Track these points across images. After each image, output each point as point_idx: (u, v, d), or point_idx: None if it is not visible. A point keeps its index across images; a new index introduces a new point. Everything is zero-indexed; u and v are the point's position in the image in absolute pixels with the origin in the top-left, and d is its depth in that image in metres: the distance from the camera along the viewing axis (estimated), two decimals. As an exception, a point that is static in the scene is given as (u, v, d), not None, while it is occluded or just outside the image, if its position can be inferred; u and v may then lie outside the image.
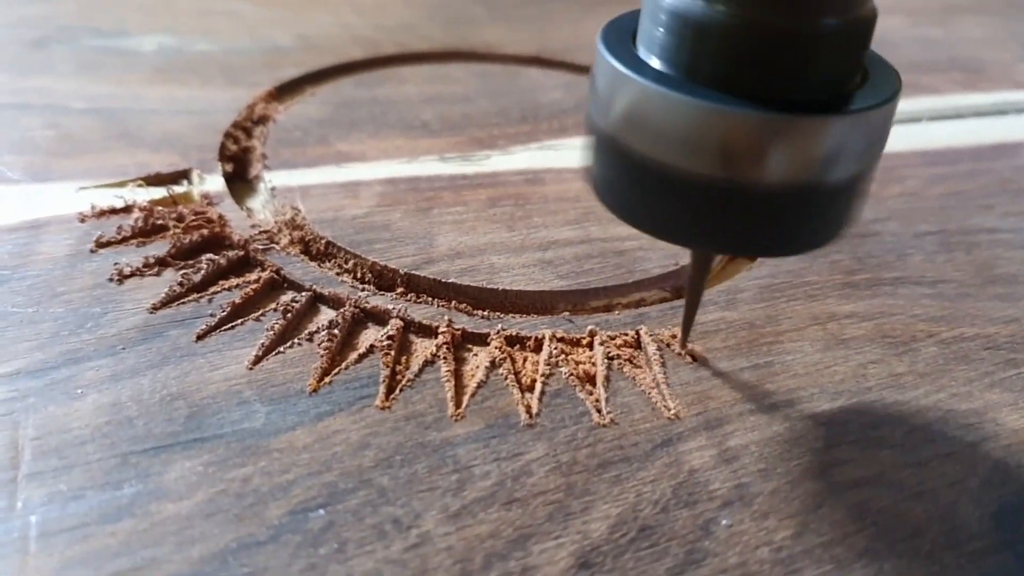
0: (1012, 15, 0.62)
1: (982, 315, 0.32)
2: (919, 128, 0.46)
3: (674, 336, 0.30)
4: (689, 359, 0.29)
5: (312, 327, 0.29)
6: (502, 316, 0.30)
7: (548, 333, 0.29)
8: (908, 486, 0.25)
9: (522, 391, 0.27)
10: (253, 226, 0.33)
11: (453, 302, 0.31)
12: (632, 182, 0.23)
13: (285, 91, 0.44)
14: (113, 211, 0.33)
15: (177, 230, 0.32)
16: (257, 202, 0.36)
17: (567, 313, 0.31)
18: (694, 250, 0.26)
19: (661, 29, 0.21)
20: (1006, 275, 0.35)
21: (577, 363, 0.29)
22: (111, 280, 0.30)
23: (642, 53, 0.22)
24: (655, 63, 0.22)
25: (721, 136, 0.20)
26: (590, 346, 0.29)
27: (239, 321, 0.29)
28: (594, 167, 0.24)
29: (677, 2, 0.21)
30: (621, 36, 0.23)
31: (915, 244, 0.36)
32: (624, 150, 0.22)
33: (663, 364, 0.29)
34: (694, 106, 0.20)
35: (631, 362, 0.29)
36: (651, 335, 0.30)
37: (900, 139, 0.43)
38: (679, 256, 0.34)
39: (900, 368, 0.29)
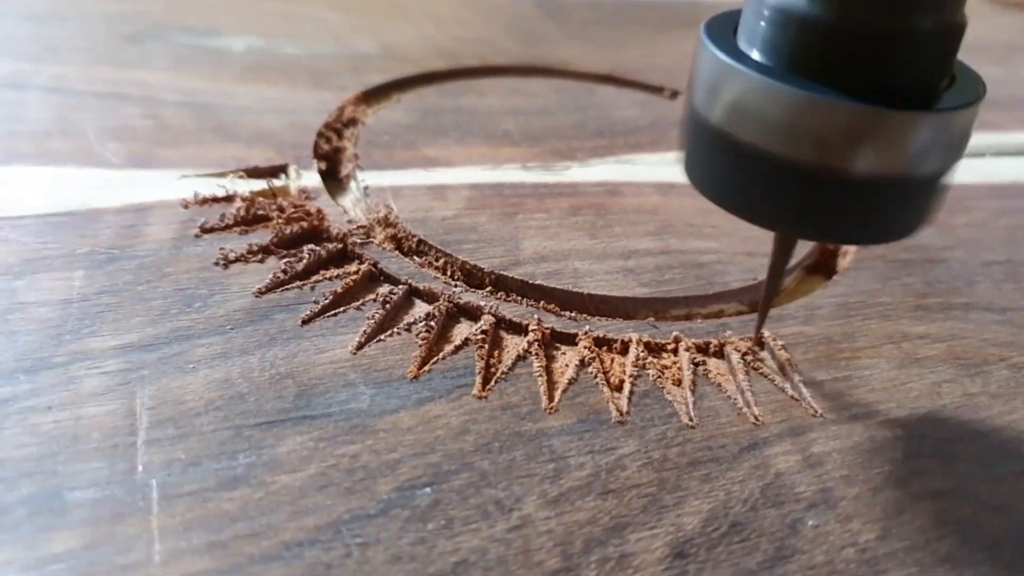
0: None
1: (1053, 343, 0.33)
2: (984, 162, 0.47)
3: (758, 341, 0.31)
4: (764, 357, 0.30)
5: (409, 319, 0.30)
6: (588, 318, 0.32)
7: (634, 336, 0.31)
8: (985, 499, 0.26)
9: (611, 390, 0.28)
10: (349, 221, 0.35)
11: (541, 302, 0.32)
12: (726, 165, 0.24)
13: (372, 96, 0.45)
14: (215, 199, 0.35)
15: (279, 220, 0.34)
16: (349, 200, 0.37)
17: (652, 319, 0.32)
18: (780, 233, 0.27)
19: (763, 23, 0.23)
20: (1074, 307, 0.35)
21: (663, 367, 0.30)
22: (217, 264, 0.32)
23: (743, 46, 0.24)
24: (756, 55, 0.23)
25: (818, 125, 0.22)
26: (675, 351, 0.30)
27: (341, 309, 0.30)
28: (688, 150, 0.25)
29: None
30: (723, 30, 0.24)
31: (983, 272, 0.37)
32: (721, 135, 0.23)
33: (747, 373, 0.30)
34: (793, 95, 0.22)
35: (716, 369, 0.30)
36: (733, 345, 0.31)
37: (966, 172, 0.44)
38: (757, 272, 0.35)
39: (973, 388, 0.30)
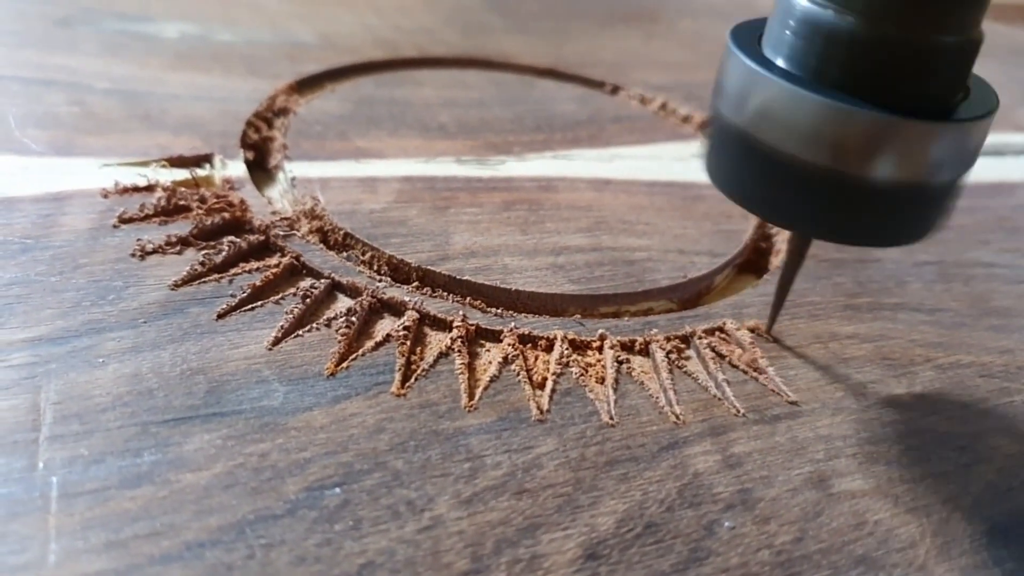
0: (1014, 62, 0.63)
1: (977, 344, 0.33)
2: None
3: (753, 328, 0.32)
4: (690, 355, 0.30)
5: (330, 314, 0.30)
6: (515, 315, 0.31)
7: (560, 334, 0.30)
8: (904, 501, 0.26)
9: (533, 388, 0.28)
10: (273, 213, 0.34)
11: (467, 298, 0.31)
12: (749, 167, 0.25)
13: (306, 85, 0.45)
14: (136, 189, 0.34)
15: (200, 211, 0.33)
16: (276, 191, 0.37)
17: (578, 316, 0.32)
18: (797, 233, 0.28)
19: (789, 33, 0.24)
20: (1001, 308, 0.36)
21: (588, 365, 0.29)
22: (133, 255, 0.31)
23: (768, 53, 0.25)
24: (781, 63, 0.24)
25: (839, 132, 0.23)
26: (600, 349, 0.30)
27: (259, 303, 0.29)
28: (713, 155, 0.26)
29: (808, 10, 0.23)
30: (749, 38, 0.25)
31: (914, 273, 0.37)
32: (747, 140, 0.25)
33: (671, 371, 0.29)
34: (817, 103, 0.23)
35: (640, 368, 0.30)
36: (659, 343, 0.30)
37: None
38: (687, 269, 0.34)
39: (898, 389, 0.30)
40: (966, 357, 0.32)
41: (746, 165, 0.25)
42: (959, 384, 0.31)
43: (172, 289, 0.30)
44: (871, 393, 0.30)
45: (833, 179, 0.23)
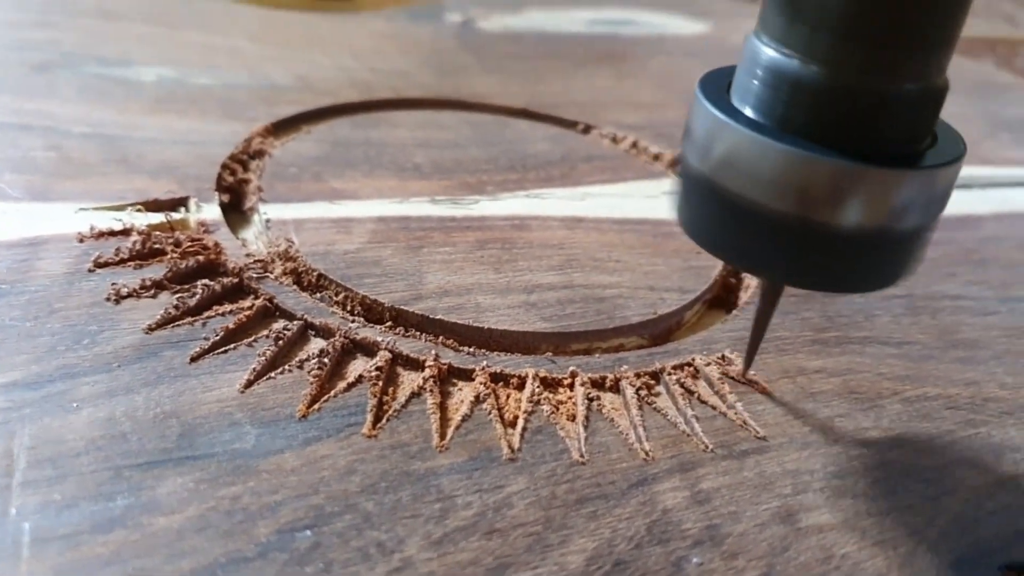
0: (979, 95, 0.65)
1: (944, 377, 0.34)
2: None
3: (727, 363, 0.33)
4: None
5: (303, 355, 0.30)
6: (487, 353, 0.31)
7: (531, 372, 0.30)
8: (871, 534, 0.26)
9: (505, 426, 0.28)
10: (248, 255, 0.34)
11: (440, 337, 0.32)
12: (718, 215, 0.25)
13: (281, 128, 0.45)
14: (111, 233, 0.34)
15: (174, 255, 0.33)
16: (251, 233, 0.37)
17: (550, 354, 0.32)
18: (767, 281, 0.29)
19: (756, 82, 0.24)
20: (967, 340, 0.36)
21: (559, 402, 0.30)
22: (108, 299, 0.31)
23: (736, 102, 0.25)
24: (748, 112, 0.25)
25: (806, 179, 0.23)
26: (571, 386, 0.30)
27: (232, 346, 0.30)
28: (682, 202, 0.27)
29: (774, 59, 0.24)
30: (718, 87, 0.26)
31: (883, 306, 0.38)
32: (714, 186, 0.25)
33: (640, 408, 0.30)
34: (783, 152, 0.23)
35: (610, 404, 0.30)
36: (628, 380, 0.31)
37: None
38: (657, 306, 0.35)
39: (866, 423, 0.31)
40: (933, 390, 0.33)
41: (715, 213, 0.25)
42: (926, 417, 0.32)
43: (146, 333, 0.30)
44: (838, 427, 0.30)
45: (800, 226, 0.24)
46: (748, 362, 0.32)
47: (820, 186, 0.23)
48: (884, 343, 0.35)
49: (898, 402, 0.32)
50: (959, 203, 0.48)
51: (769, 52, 0.24)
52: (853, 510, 0.27)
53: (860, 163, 0.23)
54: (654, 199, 0.44)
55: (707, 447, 0.29)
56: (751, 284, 0.38)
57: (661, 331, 0.35)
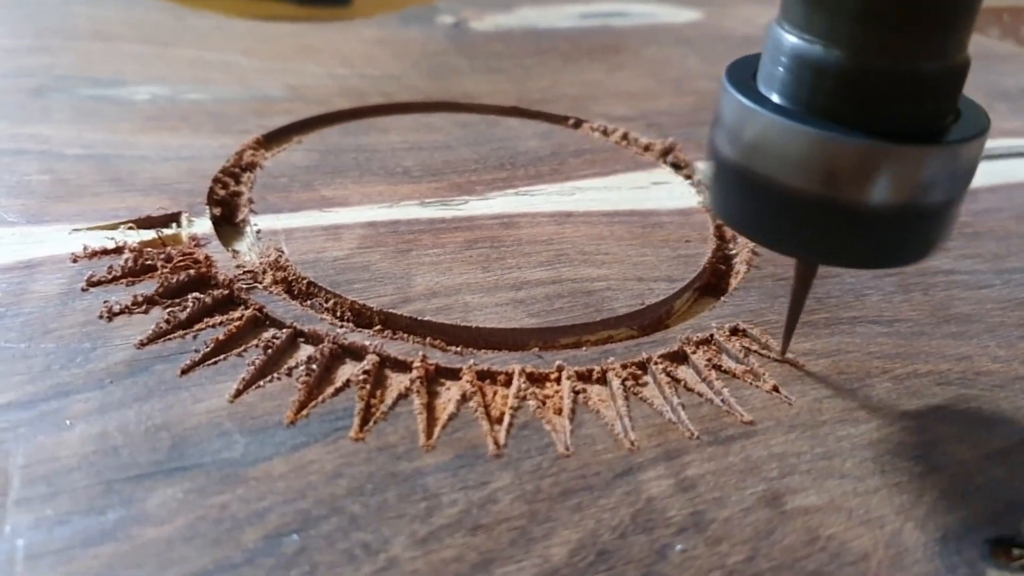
0: (979, 66, 0.64)
1: (936, 352, 0.34)
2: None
3: (764, 346, 0.33)
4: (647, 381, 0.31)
5: (292, 362, 0.30)
6: (474, 352, 0.32)
7: (518, 368, 0.31)
8: (857, 514, 0.26)
9: (491, 423, 0.29)
10: (238, 266, 0.35)
11: (428, 339, 0.32)
12: (751, 199, 0.26)
13: (273, 139, 0.46)
14: (105, 252, 0.35)
15: (165, 270, 0.34)
16: (244, 244, 0.38)
17: (536, 349, 0.32)
18: (800, 260, 0.29)
19: (781, 69, 0.25)
20: (960, 314, 0.36)
21: (545, 397, 0.30)
22: (101, 317, 0.31)
23: (762, 89, 0.26)
24: (775, 98, 0.26)
25: (833, 161, 0.24)
26: (558, 381, 0.31)
27: (222, 357, 0.30)
28: (714, 187, 0.28)
29: (797, 45, 0.25)
30: (744, 75, 0.27)
31: (874, 285, 0.37)
32: (745, 171, 0.26)
33: (626, 398, 0.30)
34: (810, 135, 0.24)
35: (597, 396, 0.30)
36: (615, 371, 0.31)
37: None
38: (645, 296, 0.35)
39: (854, 403, 0.31)
40: (923, 366, 0.33)
41: (747, 197, 0.26)
42: (916, 394, 0.32)
43: (138, 348, 0.30)
44: (826, 408, 0.30)
45: (829, 206, 0.25)
46: (786, 342, 0.32)
47: (847, 166, 0.24)
48: (874, 322, 0.35)
49: (887, 380, 0.32)
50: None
51: (792, 39, 0.25)
52: (839, 490, 0.27)
53: (884, 141, 0.24)
54: (643, 190, 0.44)
55: (693, 434, 0.29)
56: (740, 270, 0.38)
57: (650, 321, 0.35)
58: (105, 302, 0.32)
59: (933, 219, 0.26)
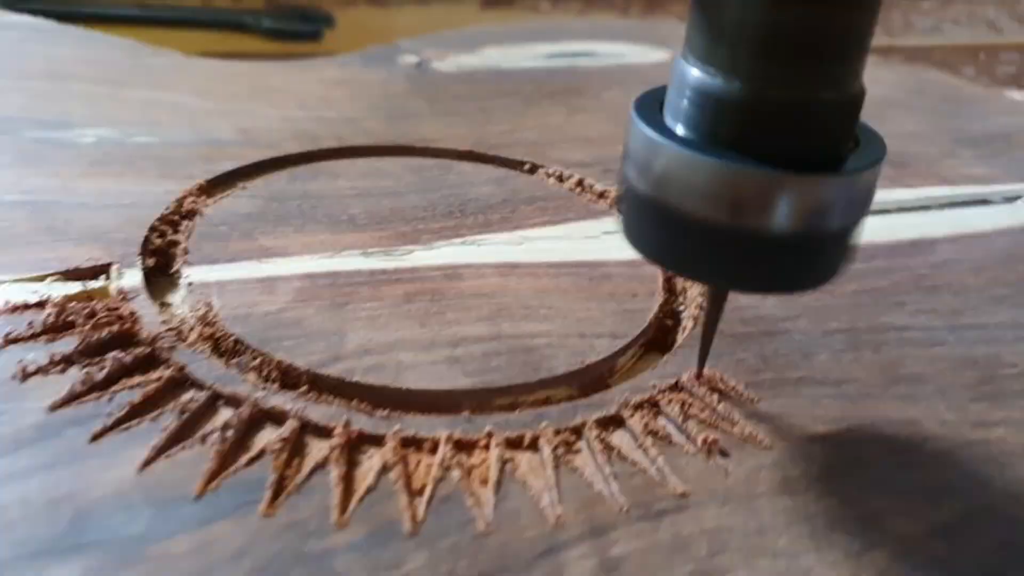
0: (944, 111, 0.63)
1: (882, 417, 0.33)
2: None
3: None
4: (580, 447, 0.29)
5: (208, 428, 0.29)
6: (402, 416, 0.31)
7: (444, 435, 0.30)
8: (787, 596, 0.25)
9: (411, 496, 0.27)
10: (163, 322, 0.34)
11: (354, 401, 0.31)
12: (660, 228, 0.27)
13: (217, 184, 0.45)
14: (26, 307, 0.34)
15: (86, 327, 0.32)
16: (178, 297, 0.36)
17: (467, 413, 0.31)
18: (710, 286, 0.31)
19: (685, 101, 0.26)
20: (910, 375, 0.35)
21: (471, 466, 0.29)
22: (14, 378, 0.30)
23: (669, 121, 0.27)
24: (680, 130, 0.27)
25: (735, 190, 0.25)
26: (487, 447, 0.30)
27: (135, 421, 0.29)
28: (626, 217, 0.29)
29: (700, 78, 0.26)
30: (652, 107, 0.28)
31: (823, 343, 0.36)
32: (654, 201, 0.27)
33: (556, 468, 0.29)
34: (712, 164, 0.25)
35: (527, 465, 0.29)
36: (546, 437, 0.30)
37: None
38: (586, 354, 0.34)
39: (794, 472, 0.30)
40: (868, 431, 0.32)
41: (656, 226, 0.27)
42: (858, 462, 0.30)
43: (50, 412, 0.29)
44: (763, 478, 0.29)
45: (734, 233, 0.26)
46: (701, 364, 0.33)
47: (749, 194, 0.25)
48: (820, 383, 0.34)
49: (830, 447, 0.31)
50: (913, 227, 0.47)
51: (695, 72, 0.26)
52: (771, 570, 0.26)
53: (783, 171, 0.25)
54: (593, 239, 0.43)
55: (622, 508, 0.28)
56: (687, 326, 0.37)
57: (591, 380, 0.34)
58: (20, 361, 0.31)
59: (833, 245, 0.27)
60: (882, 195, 0.50)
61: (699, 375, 0.33)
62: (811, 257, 0.27)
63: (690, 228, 0.26)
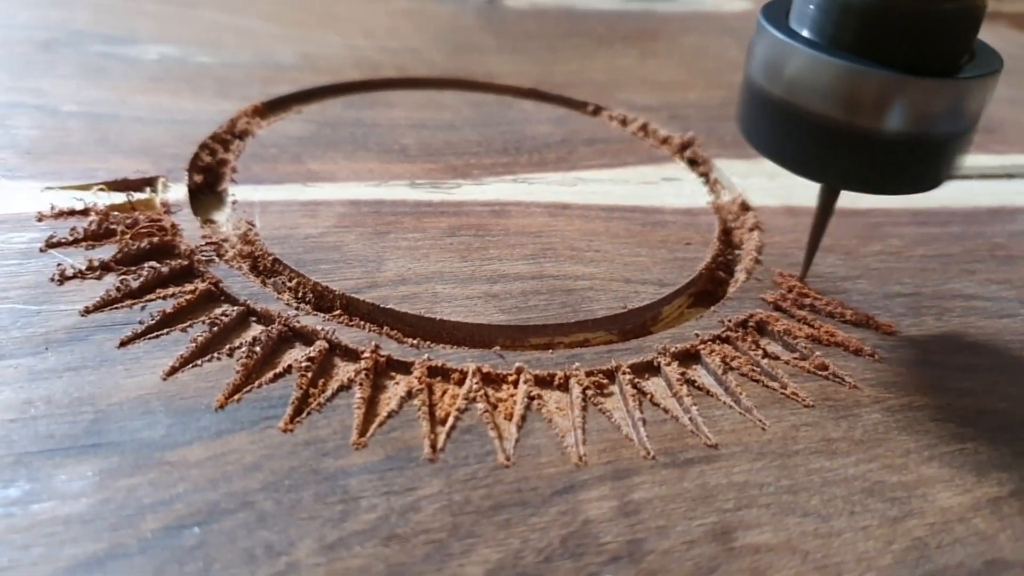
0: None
1: (938, 385, 0.31)
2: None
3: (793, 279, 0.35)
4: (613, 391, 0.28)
5: (237, 342, 0.29)
6: (432, 346, 0.30)
7: (473, 367, 0.29)
8: (813, 557, 0.24)
9: (433, 424, 0.27)
10: (204, 237, 0.33)
11: (385, 328, 0.30)
12: (780, 127, 0.29)
13: (273, 107, 0.44)
14: (71, 213, 0.34)
15: (125, 236, 0.32)
16: (222, 215, 0.36)
17: (498, 348, 0.30)
18: (823, 184, 0.32)
19: (812, 7, 0.28)
20: (973, 345, 0.33)
21: (498, 400, 0.28)
22: (52, 280, 0.30)
23: (794, 26, 0.29)
24: (806, 33, 0.28)
25: (853, 89, 0.27)
26: (516, 384, 0.29)
27: (165, 331, 0.29)
28: (746, 115, 0.30)
29: None
30: (778, 14, 0.29)
31: (883, 305, 0.35)
32: (776, 101, 0.28)
33: (584, 408, 0.28)
34: (835, 65, 0.27)
35: (556, 404, 0.28)
36: (577, 378, 0.29)
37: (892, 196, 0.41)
38: (628, 299, 0.33)
39: (835, 433, 0.28)
40: (921, 399, 0.30)
41: (776, 125, 0.29)
42: (906, 428, 0.29)
43: (82, 315, 0.29)
44: (802, 437, 0.28)
45: (849, 132, 0.27)
46: (805, 268, 0.35)
47: (866, 95, 0.26)
48: (876, 345, 0.32)
49: (877, 412, 0.29)
50: (994, 194, 0.45)
51: None
52: (799, 530, 0.25)
53: (901, 73, 0.26)
54: (651, 185, 0.41)
55: (648, 454, 0.26)
56: (740, 278, 0.35)
57: (632, 327, 0.33)
58: (59, 264, 0.31)
59: (939, 151, 0.28)
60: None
61: (802, 277, 0.35)
62: (919, 160, 0.28)
63: (807, 125, 0.28)
